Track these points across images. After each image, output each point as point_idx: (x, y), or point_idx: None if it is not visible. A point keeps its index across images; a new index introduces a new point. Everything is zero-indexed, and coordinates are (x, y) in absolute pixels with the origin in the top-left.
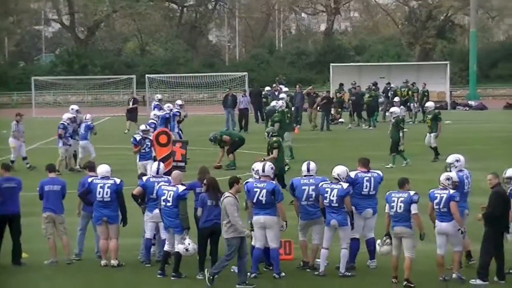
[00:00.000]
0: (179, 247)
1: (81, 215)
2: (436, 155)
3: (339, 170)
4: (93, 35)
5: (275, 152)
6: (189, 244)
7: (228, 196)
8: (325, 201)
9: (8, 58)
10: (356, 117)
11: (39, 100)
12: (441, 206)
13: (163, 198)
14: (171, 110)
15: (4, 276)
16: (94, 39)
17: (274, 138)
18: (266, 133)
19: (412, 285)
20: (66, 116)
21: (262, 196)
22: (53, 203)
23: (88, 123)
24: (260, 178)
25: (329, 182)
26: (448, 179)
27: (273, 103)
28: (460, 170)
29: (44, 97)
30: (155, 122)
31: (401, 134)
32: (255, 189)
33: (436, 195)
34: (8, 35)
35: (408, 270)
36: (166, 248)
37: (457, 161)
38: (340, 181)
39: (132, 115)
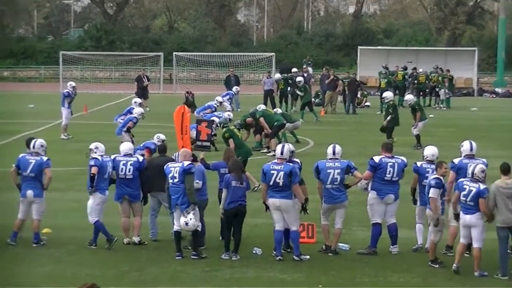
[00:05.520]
0: (180, 221)
1: None
2: (417, 144)
3: (434, 150)
4: (122, 11)
5: (230, 142)
6: (190, 219)
7: None
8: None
9: (36, 32)
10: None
11: (67, 75)
12: (468, 199)
13: (170, 175)
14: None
15: (26, 251)
16: (123, 15)
17: (224, 129)
18: (218, 123)
19: (435, 266)
20: (140, 110)
21: (280, 179)
22: None
23: (67, 90)
24: (277, 160)
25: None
26: (483, 171)
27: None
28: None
29: (72, 72)
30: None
31: (388, 118)
32: (272, 172)
33: (465, 186)
34: (37, 8)
35: (430, 251)
36: (175, 228)
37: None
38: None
39: (145, 92)
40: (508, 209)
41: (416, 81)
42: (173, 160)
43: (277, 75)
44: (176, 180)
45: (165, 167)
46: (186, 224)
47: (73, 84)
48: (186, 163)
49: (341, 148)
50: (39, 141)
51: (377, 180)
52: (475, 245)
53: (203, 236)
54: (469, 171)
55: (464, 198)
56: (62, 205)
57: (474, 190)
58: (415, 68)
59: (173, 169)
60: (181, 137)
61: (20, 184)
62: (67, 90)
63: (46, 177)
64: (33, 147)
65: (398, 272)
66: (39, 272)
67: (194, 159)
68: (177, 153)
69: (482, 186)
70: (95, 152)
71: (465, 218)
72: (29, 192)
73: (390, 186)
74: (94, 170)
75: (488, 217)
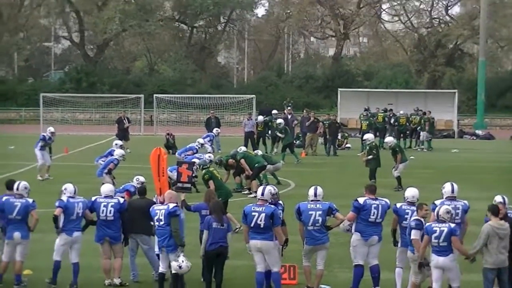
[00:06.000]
0: (172, 264)
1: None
2: (398, 185)
3: (414, 192)
4: (102, 53)
5: (210, 183)
6: (182, 261)
7: None
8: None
9: (17, 74)
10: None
11: (47, 117)
12: (440, 240)
13: (156, 218)
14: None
15: None
16: (103, 57)
17: (204, 171)
18: (198, 165)
19: None
20: (121, 152)
21: (261, 220)
22: None
23: (43, 134)
24: (258, 201)
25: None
26: (448, 212)
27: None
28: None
29: (52, 114)
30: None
31: (369, 157)
32: (253, 213)
33: (435, 228)
34: (18, 50)
35: None
36: (160, 269)
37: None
38: (414, 204)
39: (126, 134)
40: (499, 250)
41: (396, 123)
42: (153, 202)
43: (260, 118)
44: (162, 223)
45: (150, 209)
46: (180, 267)
47: (52, 130)
48: (172, 205)
49: (322, 190)
50: (23, 184)
51: (361, 222)
52: (454, 284)
53: (182, 277)
54: (434, 212)
55: (436, 240)
56: (43, 247)
57: (446, 229)
58: (391, 110)
59: (159, 211)
60: (158, 179)
61: (4, 227)
62: (43, 134)
63: (33, 219)
64: (17, 189)
65: None
66: None
67: None
68: (156, 195)
69: (452, 225)
70: (64, 194)
71: (438, 260)
72: (16, 234)
73: (374, 227)
74: (56, 211)
75: (465, 254)
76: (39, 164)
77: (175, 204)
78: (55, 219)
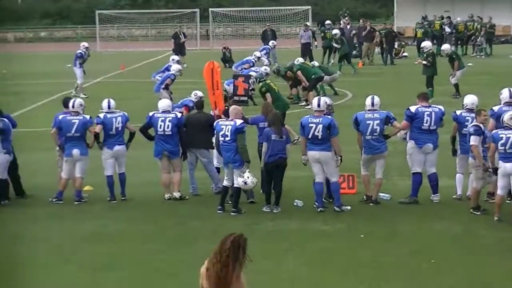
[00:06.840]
0: (238, 181)
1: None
2: (456, 92)
3: (473, 99)
4: None
5: (267, 96)
6: (248, 177)
7: None
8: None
9: None
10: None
11: (103, 34)
12: (507, 147)
13: (221, 133)
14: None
15: (68, 207)
16: None
17: (260, 84)
18: (254, 79)
19: (477, 213)
20: (177, 67)
21: (318, 131)
22: None
23: (80, 51)
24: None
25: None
26: None
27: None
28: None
29: (108, 31)
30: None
31: (424, 62)
32: (311, 125)
33: (501, 135)
34: None
35: (472, 198)
36: (225, 183)
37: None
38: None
39: (182, 49)
40: None
41: (454, 30)
42: (212, 117)
43: (308, 23)
44: (227, 139)
45: (215, 123)
46: (245, 183)
47: (86, 44)
48: (239, 121)
49: (379, 99)
50: (78, 101)
51: (414, 130)
52: None
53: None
54: (501, 119)
55: (502, 147)
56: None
57: None
58: (448, 17)
59: (225, 127)
60: (213, 92)
61: (62, 145)
62: (80, 51)
63: (91, 136)
64: (73, 106)
65: (439, 220)
66: (83, 228)
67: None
68: (212, 109)
69: None
70: (102, 110)
71: (506, 166)
72: (75, 151)
73: (428, 135)
74: (97, 128)
75: None
76: (79, 82)
77: (242, 121)
78: (96, 135)
